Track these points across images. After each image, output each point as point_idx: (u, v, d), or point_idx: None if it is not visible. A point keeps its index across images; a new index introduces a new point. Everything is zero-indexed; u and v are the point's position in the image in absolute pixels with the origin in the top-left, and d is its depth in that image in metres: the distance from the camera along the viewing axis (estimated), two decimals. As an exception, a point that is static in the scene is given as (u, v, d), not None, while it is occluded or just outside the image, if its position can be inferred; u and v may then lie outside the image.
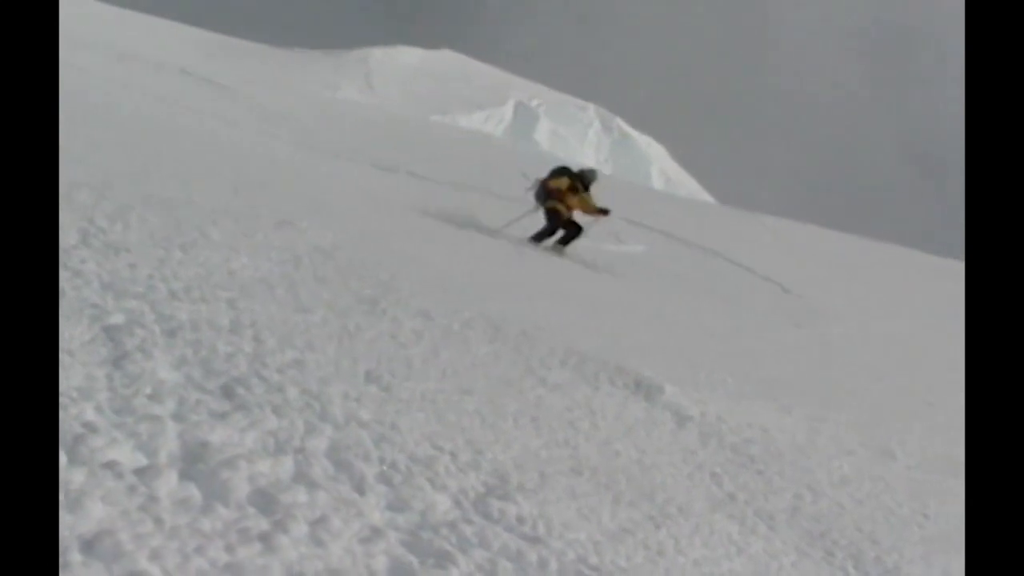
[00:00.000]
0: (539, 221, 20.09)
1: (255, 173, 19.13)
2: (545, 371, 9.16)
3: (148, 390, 5.35)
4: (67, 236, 8.15)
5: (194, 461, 4.63)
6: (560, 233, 19.93)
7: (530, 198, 20.48)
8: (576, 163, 23.95)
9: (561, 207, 19.92)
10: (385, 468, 5.43)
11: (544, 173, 20.35)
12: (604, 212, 20.33)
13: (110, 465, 4.32)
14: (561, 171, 20.39)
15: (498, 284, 14.33)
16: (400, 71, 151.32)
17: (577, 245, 19.89)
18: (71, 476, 4.12)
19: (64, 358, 5.39)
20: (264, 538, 4.13)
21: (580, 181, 20.16)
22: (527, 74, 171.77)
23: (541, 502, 5.92)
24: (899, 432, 11.91)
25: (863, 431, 11.31)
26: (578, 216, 20.12)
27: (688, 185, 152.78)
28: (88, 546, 3.71)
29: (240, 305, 7.85)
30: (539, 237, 19.86)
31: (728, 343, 15.36)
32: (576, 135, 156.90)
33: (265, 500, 4.51)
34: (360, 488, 5.05)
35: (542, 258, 18.71)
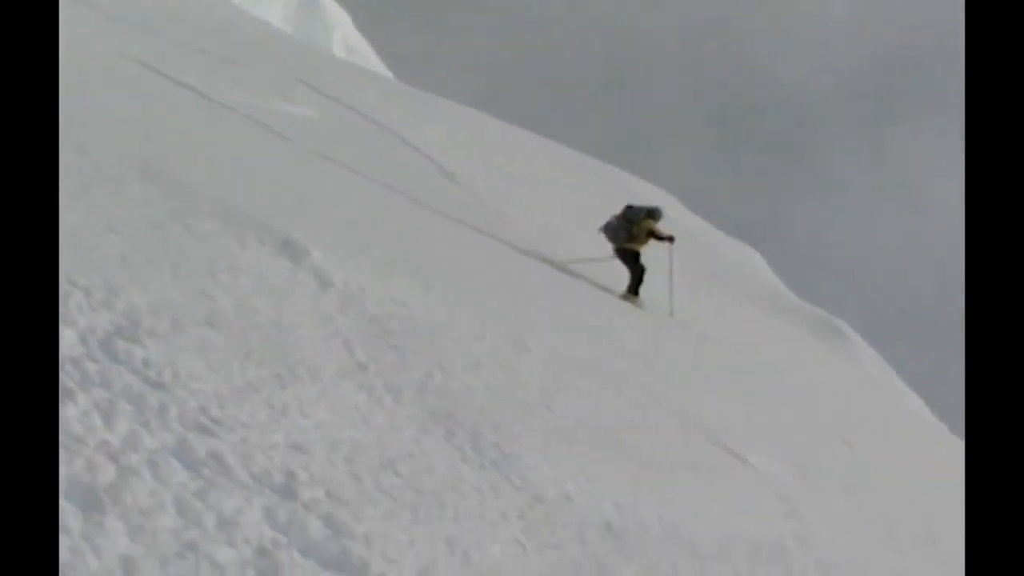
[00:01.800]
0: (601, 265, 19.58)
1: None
2: (193, 220, 9.01)
3: None
4: None
5: None
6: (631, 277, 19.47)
7: (600, 236, 19.82)
8: (644, 201, 23.25)
9: (639, 247, 19.44)
10: (12, 297, 5.28)
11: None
12: (671, 239, 19.68)
13: None
14: (642, 212, 19.67)
15: (163, 131, 13.96)
16: None
17: None
18: None
19: None
20: None
21: (653, 219, 19.58)
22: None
23: (170, 349, 5.88)
24: (536, 326, 12.22)
25: (502, 320, 11.55)
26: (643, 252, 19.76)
27: (370, 58, 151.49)
28: None
29: None
30: (636, 287, 19.25)
31: (381, 217, 15.40)
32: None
33: None
34: (-18, 316, 4.91)
35: (219, 114, 18.32)
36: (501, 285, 14.32)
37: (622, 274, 19.12)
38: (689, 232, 35.82)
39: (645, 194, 39.90)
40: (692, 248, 31.75)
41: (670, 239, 19.55)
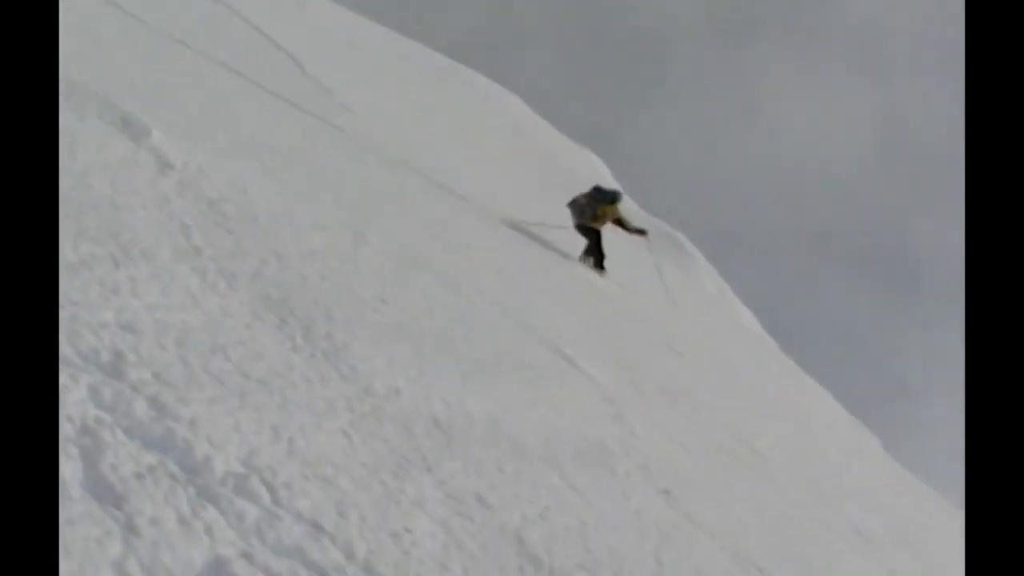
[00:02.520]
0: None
1: None
2: (31, 92, 8.78)
3: None
4: None
5: None
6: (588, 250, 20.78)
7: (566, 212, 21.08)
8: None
9: (601, 227, 20.69)
10: None
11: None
12: (644, 233, 21.69)
13: None
14: (608, 196, 20.92)
15: None
16: None
17: None
18: None
19: None
20: None
21: (615, 203, 20.97)
22: None
23: None
24: (377, 220, 12.19)
25: (343, 212, 11.51)
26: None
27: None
28: None
29: None
30: (600, 262, 20.54)
31: (226, 102, 15.19)
32: None
33: None
34: None
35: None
36: (343, 178, 14.25)
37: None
38: (527, 132, 35.97)
39: (485, 88, 39.92)
40: (529, 149, 31.91)
41: (643, 233, 21.70)
